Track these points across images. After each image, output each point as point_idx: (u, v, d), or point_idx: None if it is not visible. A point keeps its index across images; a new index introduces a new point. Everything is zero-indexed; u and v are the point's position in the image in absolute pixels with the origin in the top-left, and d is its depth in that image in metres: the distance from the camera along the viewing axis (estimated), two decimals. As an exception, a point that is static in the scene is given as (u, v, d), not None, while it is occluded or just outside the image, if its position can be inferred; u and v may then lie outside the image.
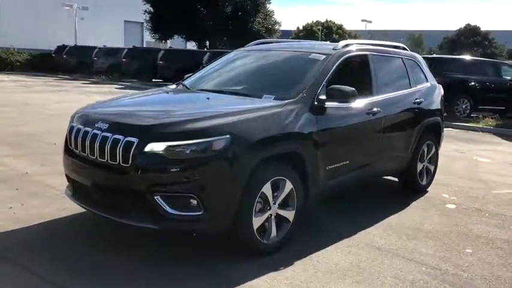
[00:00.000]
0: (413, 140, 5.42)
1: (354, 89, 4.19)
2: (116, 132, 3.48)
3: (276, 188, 3.74)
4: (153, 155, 3.34)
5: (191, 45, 39.99)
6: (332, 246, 4.02)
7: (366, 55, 4.95)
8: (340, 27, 72.33)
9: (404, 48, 5.88)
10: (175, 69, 21.95)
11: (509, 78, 14.35)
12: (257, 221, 3.63)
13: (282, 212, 3.83)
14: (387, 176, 5.75)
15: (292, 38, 51.55)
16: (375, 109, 4.74)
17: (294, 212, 3.89)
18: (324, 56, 4.52)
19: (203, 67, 5.33)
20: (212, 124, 3.45)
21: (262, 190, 3.59)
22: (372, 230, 4.43)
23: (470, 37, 57.70)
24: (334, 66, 4.42)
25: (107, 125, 3.58)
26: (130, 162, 3.36)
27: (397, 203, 5.32)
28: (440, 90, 6.16)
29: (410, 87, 5.55)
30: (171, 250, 3.80)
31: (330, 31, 70.32)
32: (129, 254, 3.69)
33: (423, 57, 6.45)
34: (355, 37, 70.65)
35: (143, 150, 3.34)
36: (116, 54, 25.52)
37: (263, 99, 4.10)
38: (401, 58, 5.61)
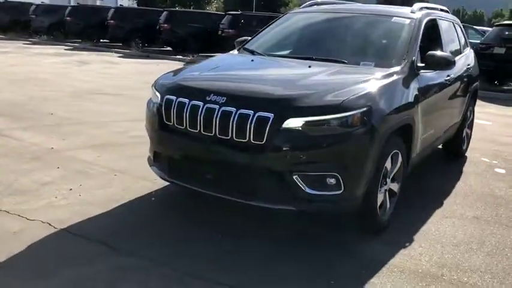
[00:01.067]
0: (465, 105, 5.45)
1: (453, 56, 4.06)
2: (240, 106, 3.11)
3: (393, 162, 3.59)
4: (292, 131, 3.03)
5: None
6: (432, 218, 3.96)
7: (435, 19, 4.81)
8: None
9: (447, 12, 5.81)
10: (127, 29, 20.76)
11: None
12: (380, 197, 3.47)
13: (392, 186, 3.69)
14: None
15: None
16: (451, 75, 4.67)
17: (399, 185, 3.77)
18: (409, 20, 4.33)
19: (260, 31, 4.91)
20: (352, 96, 3.18)
21: (385, 165, 3.42)
22: (453, 200, 4.41)
23: None
24: (421, 31, 4.25)
25: (224, 98, 3.19)
26: (265, 139, 3.03)
27: (450, 171, 5.35)
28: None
29: (461, 52, 5.54)
30: (289, 231, 3.56)
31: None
32: (253, 238, 3.42)
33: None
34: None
35: (281, 126, 3.03)
36: (57, 12, 23.44)
37: (363, 66, 3.87)
38: (452, 22, 5.56)
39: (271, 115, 3.03)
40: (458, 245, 3.50)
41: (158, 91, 3.64)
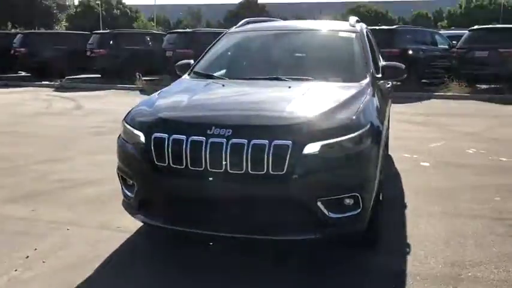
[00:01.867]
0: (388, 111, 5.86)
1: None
2: (252, 136, 2.91)
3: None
4: (312, 156, 2.92)
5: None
6: (408, 220, 4.15)
7: (368, 30, 5.08)
8: (120, 1, 69.89)
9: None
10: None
11: None
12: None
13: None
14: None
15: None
16: (390, 83, 4.98)
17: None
18: (354, 34, 4.50)
19: (205, 53, 4.66)
20: (356, 114, 3.18)
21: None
22: (411, 198, 4.69)
23: (251, 10, 62.19)
24: (367, 43, 4.44)
25: (229, 130, 2.96)
26: (285, 168, 2.87)
27: (388, 170, 5.71)
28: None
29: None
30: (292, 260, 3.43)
31: (110, 6, 67.42)
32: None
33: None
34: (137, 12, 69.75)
35: (301, 153, 2.90)
36: None
37: (334, 83, 3.91)
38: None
39: (289, 142, 2.89)
40: (448, 242, 3.70)
41: (138, 129, 3.23)
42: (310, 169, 2.92)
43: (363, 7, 75.85)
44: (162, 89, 4.00)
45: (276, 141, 2.89)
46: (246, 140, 2.91)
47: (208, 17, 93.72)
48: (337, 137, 2.98)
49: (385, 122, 4.13)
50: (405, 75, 4.25)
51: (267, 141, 2.89)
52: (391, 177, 5.29)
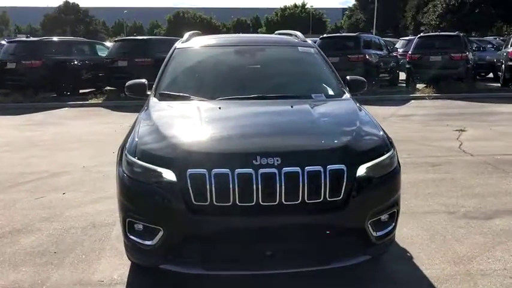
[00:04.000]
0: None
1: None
2: (305, 163, 2.74)
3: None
4: (364, 179, 2.88)
5: None
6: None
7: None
8: None
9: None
10: None
11: (104, 55, 15.35)
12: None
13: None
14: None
15: None
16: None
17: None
18: (312, 49, 4.54)
19: (162, 72, 4.17)
20: (380, 132, 3.22)
21: None
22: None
23: (71, 14, 58.01)
24: (324, 57, 4.53)
25: (278, 158, 2.74)
26: (342, 194, 2.78)
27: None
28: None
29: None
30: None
31: None
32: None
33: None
34: None
35: (355, 176, 2.83)
36: None
37: (320, 99, 3.89)
38: None
39: (343, 166, 2.80)
40: (445, 240, 3.94)
41: (161, 165, 2.78)
42: (363, 192, 2.86)
43: (187, 13, 77.05)
44: (142, 115, 3.51)
45: (331, 166, 2.77)
46: (298, 168, 2.73)
47: (18, 21, 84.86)
48: (379, 157, 2.99)
49: None
50: (366, 88, 4.45)
51: (321, 167, 2.76)
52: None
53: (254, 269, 2.80)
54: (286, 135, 3.14)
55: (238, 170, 2.68)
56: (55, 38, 15.77)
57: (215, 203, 2.69)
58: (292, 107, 3.62)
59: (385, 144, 3.11)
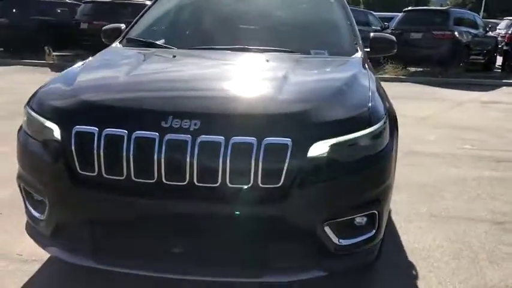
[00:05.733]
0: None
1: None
2: (232, 132, 1.92)
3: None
4: (319, 161, 1.99)
5: None
6: (398, 226, 3.40)
7: None
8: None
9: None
10: None
11: None
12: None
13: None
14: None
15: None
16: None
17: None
18: None
19: (140, 16, 3.50)
20: (370, 101, 2.26)
21: None
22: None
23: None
24: (348, 9, 3.57)
25: (197, 121, 1.95)
26: (282, 179, 1.93)
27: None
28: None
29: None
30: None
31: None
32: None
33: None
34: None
35: (305, 156, 1.96)
36: None
37: (319, 56, 3.01)
38: None
39: (288, 140, 1.94)
40: (474, 260, 2.90)
41: (50, 119, 2.12)
42: (317, 179, 1.99)
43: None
44: (86, 60, 2.84)
45: (269, 139, 1.93)
46: (222, 137, 1.92)
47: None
48: (353, 132, 2.08)
49: None
50: (395, 51, 3.43)
51: (255, 138, 1.92)
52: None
53: (157, 271, 2.05)
54: (225, 95, 2.30)
55: (137, 133, 1.93)
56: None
57: (104, 175, 1.97)
58: (268, 61, 2.77)
59: (366, 118, 2.15)
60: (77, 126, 1.99)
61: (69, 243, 2.13)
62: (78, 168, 1.99)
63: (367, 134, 2.10)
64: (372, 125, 2.14)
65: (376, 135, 2.15)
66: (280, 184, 1.93)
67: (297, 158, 1.93)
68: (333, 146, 2.01)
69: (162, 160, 1.91)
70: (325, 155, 2.00)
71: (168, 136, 1.92)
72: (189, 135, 1.91)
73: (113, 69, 2.68)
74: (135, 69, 2.55)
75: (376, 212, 2.17)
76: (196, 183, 1.92)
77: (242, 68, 2.76)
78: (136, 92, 2.30)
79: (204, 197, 1.94)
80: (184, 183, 1.93)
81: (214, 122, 1.97)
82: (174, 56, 2.86)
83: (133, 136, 1.93)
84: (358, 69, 2.71)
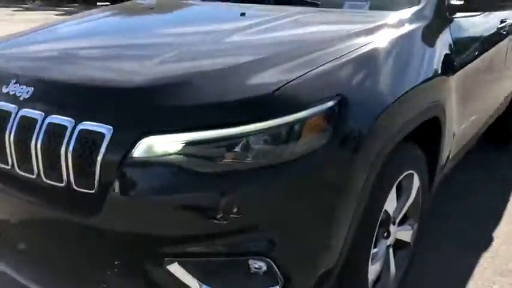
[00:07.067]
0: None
1: None
2: (52, 108, 1.42)
3: (401, 193, 1.87)
4: (156, 166, 1.31)
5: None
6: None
7: None
8: None
9: None
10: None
11: None
12: (373, 270, 1.76)
13: (401, 234, 1.99)
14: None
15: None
16: (508, 20, 2.84)
17: (415, 228, 2.06)
18: None
19: None
20: (300, 76, 1.42)
21: (385, 207, 1.70)
22: None
23: None
24: None
25: (30, 89, 1.50)
26: (96, 183, 1.34)
27: (496, 169, 3.50)
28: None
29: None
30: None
31: None
32: None
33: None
34: None
35: (130, 154, 1.32)
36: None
37: (348, 11, 2.12)
38: None
39: (106, 128, 1.33)
40: None
41: None
42: (147, 192, 1.32)
43: None
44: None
45: (86, 123, 1.35)
46: (41, 114, 1.43)
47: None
48: (228, 128, 1.30)
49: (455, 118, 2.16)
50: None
51: (73, 120, 1.37)
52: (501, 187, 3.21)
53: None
54: (91, 59, 1.73)
55: None
56: None
57: None
58: (243, 14, 2.05)
59: (262, 106, 1.33)
60: None
61: None
62: None
63: (254, 131, 1.29)
64: (273, 117, 1.31)
65: (276, 137, 1.31)
66: (94, 190, 1.34)
67: (117, 156, 1.31)
68: (188, 145, 1.30)
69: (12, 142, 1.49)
70: (171, 159, 1.30)
71: (23, 111, 1.47)
72: (15, 106, 1.48)
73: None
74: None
75: (268, 260, 1.36)
76: (17, 171, 1.50)
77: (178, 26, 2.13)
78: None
79: (21, 187, 1.50)
80: (8, 166, 1.52)
81: (44, 93, 1.48)
82: (152, 8, 2.39)
83: None
84: (366, 31, 1.76)
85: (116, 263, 1.36)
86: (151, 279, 1.36)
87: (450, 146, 2.22)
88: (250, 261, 1.39)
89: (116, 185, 1.30)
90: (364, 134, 1.45)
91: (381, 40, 1.71)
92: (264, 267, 1.38)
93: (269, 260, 1.36)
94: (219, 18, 2.23)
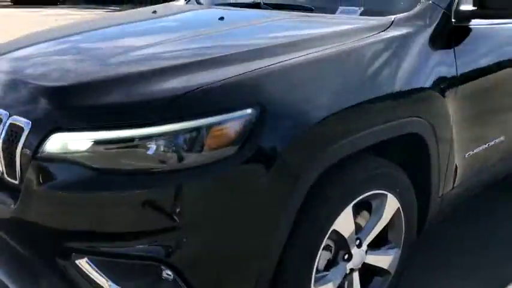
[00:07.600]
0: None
1: None
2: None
3: (365, 212, 1.72)
4: (65, 162, 1.34)
5: None
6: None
7: None
8: None
9: None
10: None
11: None
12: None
13: (377, 259, 1.81)
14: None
15: None
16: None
17: (398, 252, 1.86)
18: None
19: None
20: (217, 80, 1.39)
21: (333, 227, 1.57)
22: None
23: None
24: None
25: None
26: (18, 175, 1.41)
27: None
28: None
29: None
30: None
31: None
32: None
33: None
34: None
35: (40, 148, 1.37)
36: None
37: (339, 15, 2.00)
38: None
39: (24, 122, 1.40)
40: None
41: None
42: (54, 187, 1.35)
43: None
44: None
45: (15, 117, 1.44)
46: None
47: None
48: (133, 129, 1.30)
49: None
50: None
51: (7, 113, 1.46)
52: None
53: None
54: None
55: None
56: None
57: None
58: (222, 19, 2.05)
59: (169, 107, 1.33)
60: None
61: None
62: None
63: (160, 133, 1.29)
64: (176, 121, 1.29)
65: (182, 142, 1.29)
66: (17, 181, 1.41)
67: (30, 150, 1.37)
68: (97, 144, 1.32)
69: None
70: (78, 156, 1.33)
71: None
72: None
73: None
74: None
75: (168, 265, 1.32)
76: None
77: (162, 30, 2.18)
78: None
79: None
80: None
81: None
82: (154, 12, 2.43)
83: None
84: (345, 31, 1.68)
85: (32, 253, 1.41)
86: (62, 274, 1.39)
87: (452, 171, 1.97)
88: (163, 267, 1.36)
89: (30, 177, 1.36)
90: (288, 148, 1.36)
91: (335, 47, 1.59)
92: (172, 276, 1.35)
93: (173, 270, 1.32)
94: (196, 23, 2.24)
